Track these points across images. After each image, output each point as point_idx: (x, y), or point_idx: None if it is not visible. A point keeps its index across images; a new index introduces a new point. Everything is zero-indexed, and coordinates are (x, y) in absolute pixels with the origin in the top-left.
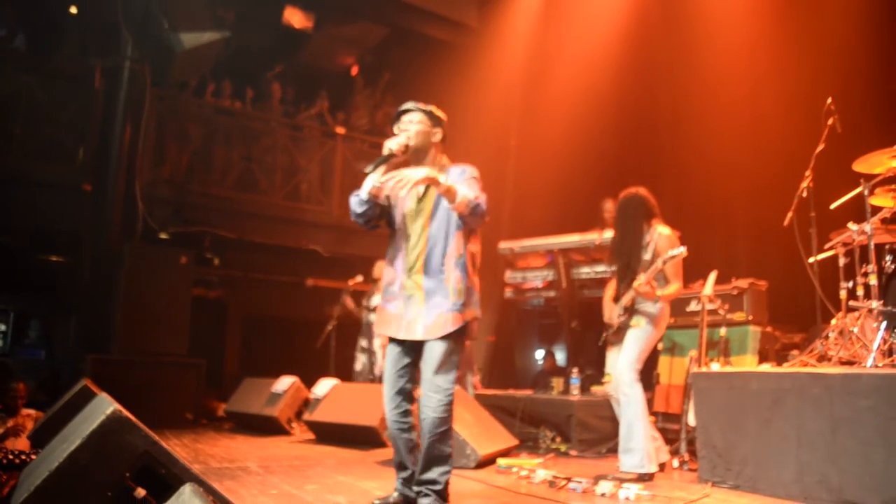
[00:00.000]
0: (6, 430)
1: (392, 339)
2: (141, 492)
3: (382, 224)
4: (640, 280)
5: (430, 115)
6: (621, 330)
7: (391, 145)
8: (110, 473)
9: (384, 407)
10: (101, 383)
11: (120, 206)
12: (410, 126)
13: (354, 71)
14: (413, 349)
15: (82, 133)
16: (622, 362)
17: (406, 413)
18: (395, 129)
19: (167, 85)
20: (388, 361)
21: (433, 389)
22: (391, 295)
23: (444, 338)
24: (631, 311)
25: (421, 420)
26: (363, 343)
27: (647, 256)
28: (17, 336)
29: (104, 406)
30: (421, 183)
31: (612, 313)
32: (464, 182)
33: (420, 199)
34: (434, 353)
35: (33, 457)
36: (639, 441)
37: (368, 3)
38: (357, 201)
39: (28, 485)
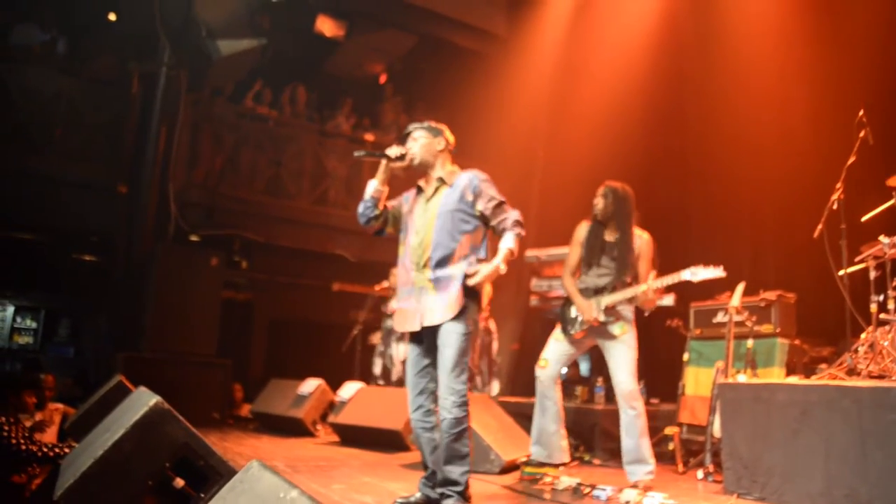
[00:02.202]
0: (34, 424)
1: (411, 340)
2: (180, 482)
3: (392, 232)
4: (655, 284)
5: (429, 128)
6: (595, 330)
7: (390, 151)
8: (151, 463)
9: (409, 409)
10: (132, 380)
11: (153, 207)
12: (413, 144)
13: (383, 79)
14: (430, 350)
15: (119, 136)
16: (627, 375)
17: (428, 413)
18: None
19: (202, 91)
20: (409, 364)
21: (447, 391)
22: (405, 294)
23: (453, 333)
24: (613, 312)
25: (441, 420)
26: (380, 347)
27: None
28: (48, 334)
29: (147, 398)
30: (493, 278)
31: (590, 310)
32: (492, 210)
33: (428, 200)
34: (445, 355)
35: (67, 450)
36: (649, 450)
37: (398, 12)
38: (362, 205)
39: (73, 471)
